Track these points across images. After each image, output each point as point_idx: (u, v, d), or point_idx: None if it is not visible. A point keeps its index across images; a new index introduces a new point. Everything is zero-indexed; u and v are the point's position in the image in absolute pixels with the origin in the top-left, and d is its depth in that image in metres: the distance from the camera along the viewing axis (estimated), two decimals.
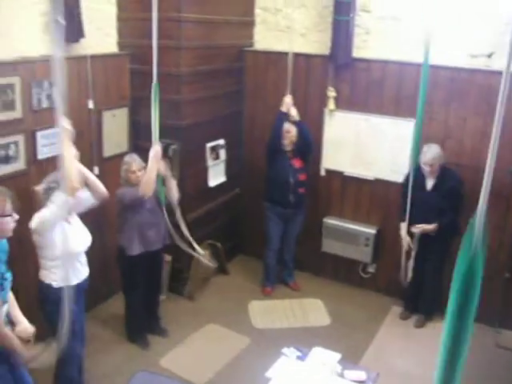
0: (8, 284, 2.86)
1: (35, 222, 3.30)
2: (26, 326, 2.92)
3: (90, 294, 3.73)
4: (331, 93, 5.21)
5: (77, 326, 3.59)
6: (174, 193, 4.32)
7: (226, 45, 5.38)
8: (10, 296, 2.97)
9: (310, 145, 5.13)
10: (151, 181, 4.02)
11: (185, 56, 4.80)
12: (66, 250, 3.33)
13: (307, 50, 5.29)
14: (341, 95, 5.24)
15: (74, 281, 3.46)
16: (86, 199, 3.57)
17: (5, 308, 2.82)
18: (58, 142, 3.02)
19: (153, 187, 4.05)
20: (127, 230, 4.24)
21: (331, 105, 5.25)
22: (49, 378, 3.69)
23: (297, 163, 5.12)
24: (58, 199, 3.26)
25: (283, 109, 4.97)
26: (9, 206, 2.69)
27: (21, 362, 2.88)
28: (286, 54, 4.94)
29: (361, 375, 3.38)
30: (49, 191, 3.34)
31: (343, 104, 5.26)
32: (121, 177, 4.26)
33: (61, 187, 3.26)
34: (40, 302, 3.42)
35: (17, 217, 2.78)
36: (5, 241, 2.87)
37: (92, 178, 3.60)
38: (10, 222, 2.74)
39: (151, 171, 4.01)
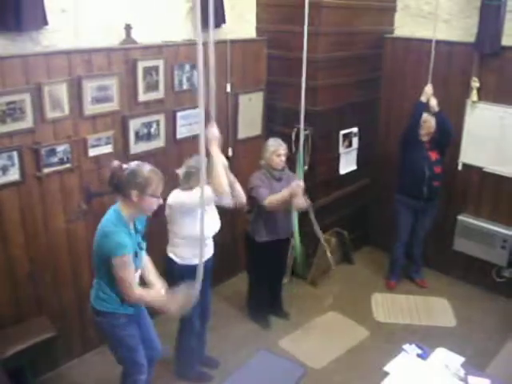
0: (143, 253, 3.08)
1: (174, 200, 3.49)
2: (158, 288, 3.10)
3: (215, 271, 3.89)
4: (475, 83, 4.91)
5: (199, 302, 3.79)
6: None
7: (365, 31, 5.28)
8: (147, 261, 3.18)
9: (449, 135, 4.89)
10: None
11: (323, 42, 4.79)
12: (196, 233, 3.51)
13: (450, 37, 5.02)
14: (485, 86, 4.91)
15: (196, 261, 3.62)
16: (226, 201, 3.68)
17: (137, 273, 3.03)
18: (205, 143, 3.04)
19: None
20: (255, 214, 4.34)
21: (474, 96, 4.95)
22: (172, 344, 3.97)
23: (433, 155, 4.91)
24: (203, 193, 3.40)
25: (423, 98, 4.79)
26: (160, 189, 2.87)
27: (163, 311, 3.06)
28: (427, 41, 4.74)
29: (485, 383, 3.20)
30: (189, 175, 3.50)
31: (488, 96, 4.93)
32: (262, 157, 4.32)
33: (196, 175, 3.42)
34: (165, 274, 3.63)
35: (161, 201, 2.96)
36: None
37: (237, 186, 3.64)
38: (155, 204, 2.91)
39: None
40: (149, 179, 2.81)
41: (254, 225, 4.36)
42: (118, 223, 2.82)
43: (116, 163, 2.88)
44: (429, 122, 4.83)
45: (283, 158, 4.26)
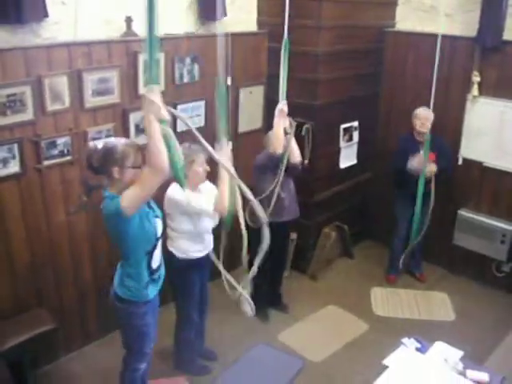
0: (159, 222, 3.00)
1: (172, 196, 3.47)
2: None
3: (214, 264, 3.89)
4: (476, 78, 4.90)
5: (198, 295, 3.81)
6: (296, 155, 4.30)
7: (366, 25, 5.26)
8: None
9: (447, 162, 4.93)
10: (278, 136, 4.07)
11: (323, 35, 4.77)
12: (193, 228, 3.55)
13: (452, 31, 5.00)
14: (486, 81, 4.90)
15: (197, 254, 3.66)
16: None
17: (158, 245, 3.03)
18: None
19: (282, 143, 4.08)
20: (257, 198, 4.32)
21: (475, 91, 4.94)
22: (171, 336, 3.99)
23: (430, 156, 4.79)
24: (198, 204, 3.43)
25: (412, 166, 4.78)
26: (140, 158, 2.81)
27: None
28: (429, 35, 4.72)
29: (484, 377, 3.21)
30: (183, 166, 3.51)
31: (488, 90, 4.92)
32: (264, 142, 4.39)
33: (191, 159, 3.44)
34: (165, 265, 3.64)
35: None
36: None
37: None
38: (139, 175, 2.79)
39: (278, 127, 4.07)
40: (125, 152, 2.75)
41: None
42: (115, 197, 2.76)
43: (92, 145, 2.83)
44: (424, 114, 4.78)
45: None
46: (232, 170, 2.99)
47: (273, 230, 4.35)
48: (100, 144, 2.82)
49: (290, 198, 4.41)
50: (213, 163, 3.32)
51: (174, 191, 3.48)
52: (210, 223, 3.65)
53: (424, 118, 4.77)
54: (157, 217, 2.99)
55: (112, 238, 2.96)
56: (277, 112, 4.06)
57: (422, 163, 4.64)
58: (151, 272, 2.99)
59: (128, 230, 2.77)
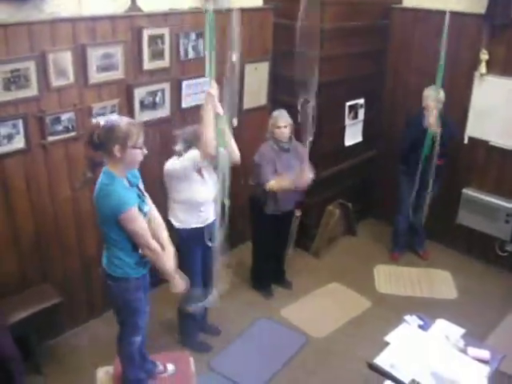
0: (146, 207, 3.02)
1: (168, 167, 3.54)
2: (170, 250, 3.11)
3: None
4: (484, 56, 4.84)
5: (202, 269, 3.84)
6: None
7: (372, 1, 5.21)
8: (159, 224, 3.16)
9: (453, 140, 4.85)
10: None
11: (329, 12, 4.72)
12: (190, 198, 3.57)
13: (460, 8, 4.93)
14: (494, 58, 4.84)
15: (196, 225, 3.69)
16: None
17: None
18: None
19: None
20: (263, 189, 4.32)
21: (483, 68, 4.88)
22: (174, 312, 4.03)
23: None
24: (190, 155, 3.46)
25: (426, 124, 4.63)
26: (141, 139, 2.83)
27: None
28: (436, 12, 4.65)
29: (484, 354, 3.24)
30: (186, 150, 3.52)
31: (497, 68, 4.86)
32: (267, 131, 4.35)
33: (195, 145, 3.44)
34: None
35: (146, 152, 2.90)
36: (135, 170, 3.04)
37: (232, 144, 3.57)
38: (140, 155, 2.86)
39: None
40: (128, 131, 2.76)
41: (260, 193, 4.35)
42: (112, 181, 2.80)
43: (95, 121, 2.85)
44: (434, 97, 4.70)
45: (284, 130, 4.25)
46: (219, 108, 3.12)
47: (277, 217, 4.41)
48: (103, 121, 2.82)
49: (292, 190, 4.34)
50: None
51: (169, 163, 3.54)
52: (207, 192, 3.64)
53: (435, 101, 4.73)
54: (143, 202, 3.01)
55: (99, 219, 2.94)
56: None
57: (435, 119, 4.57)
58: (140, 256, 3.02)
59: (119, 222, 2.81)
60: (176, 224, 3.67)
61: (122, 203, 2.77)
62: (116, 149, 2.75)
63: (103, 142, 2.77)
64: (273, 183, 4.18)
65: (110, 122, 2.81)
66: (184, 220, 3.67)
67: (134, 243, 2.95)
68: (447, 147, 4.76)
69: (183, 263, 3.76)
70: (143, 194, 3.03)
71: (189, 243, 3.68)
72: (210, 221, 3.71)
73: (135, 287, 3.05)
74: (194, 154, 3.45)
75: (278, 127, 4.23)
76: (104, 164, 2.86)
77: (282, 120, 4.24)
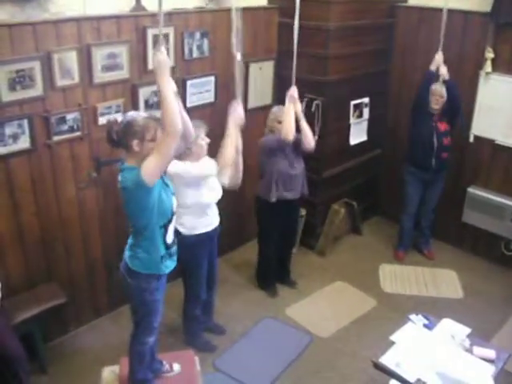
0: (171, 195, 3.01)
1: (173, 170, 3.44)
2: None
3: (224, 239, 3.92)
4: (489, 54, 4.83)
5: (207, 270, 3.84)
6: (309, 139, 4.30)
7: (377, 0, 5.18)
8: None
9: (458, 104, 4.83)
10: (290, 122, 4.08)
11: (334, 10, 4.71)
12: (198, 201, 3.57)
13: (466, 6, 4.91)
14: (500, 57, 4.82)
15: (203, 229, 3.69)
16: (222, 180, 3.70)
17: (171, 224, 3.03)
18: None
19: (293, 130, 4.09)
20: (267, 177, 4.35)
21: (488, 67, 4.87)
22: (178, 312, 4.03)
23: (442, 126, 4.86)
24: (205, 167, 3.52)
25: (432, 67, 4.74)
26: (159, 133, 2.83)
27: None
28: (441, 10, 4.64)
29: (490, 354, 3.23)
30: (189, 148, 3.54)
31: (502, 67, 4.84)
32: (266, 125, 4.38)
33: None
34: None
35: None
36: None
37: (240, 161, 3.66)
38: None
39: (288, 113, 4.08)
40: (145, 125, 2.77)
41: (264, 187, 4.36)
42: (135, 169, 2.77)
43: (112, 118, 2.87)
44: (439, 91, 4.75)
45: None
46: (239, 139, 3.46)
47: (283, 206, 4.42)
48: (120, 117, 2.83)
49: (300, 175, 4.40)
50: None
51: (172, 166, 3.47)
52: (212, 196, 3.66)
53: (438, 94, 4.74)
54: (172, 194, 3.02)
55: (129, 210, 2.92)
56: (287, 98, 4.07)
57: (441, 61, 4.73)
58: (167, 246, 3.02)
59: (149, 200, 2.79)
60: (183, 231, 3.62)
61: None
62: (135, 143, 2.76)
63: (122, 138, 2.79)
64: (284, 125, 4.14)
65: (127, 117, 2.83)
66: (192, 226, 3.63)
67: (163, 233, 2.94)
68: (458, 108, 4.85)
69: (189, 270, 3.78)
70: (167, 185, 3.01)
71: (195, 249, 3.67)
72: (214, 225, 3.73)
73: (155, 288, 3.04)
74: (201, 169, 3.51)
75: (279, 122, 4.23)
76: (121, 160, 2.86)
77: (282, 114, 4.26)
